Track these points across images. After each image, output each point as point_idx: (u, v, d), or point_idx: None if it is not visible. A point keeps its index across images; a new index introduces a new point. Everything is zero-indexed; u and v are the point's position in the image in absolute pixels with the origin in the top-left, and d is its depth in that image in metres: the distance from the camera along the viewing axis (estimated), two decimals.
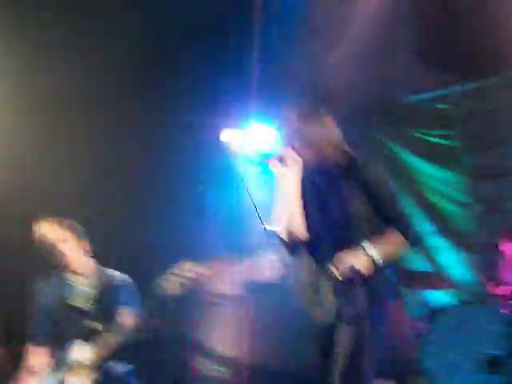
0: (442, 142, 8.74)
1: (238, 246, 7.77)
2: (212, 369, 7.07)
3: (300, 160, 3.63)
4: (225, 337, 7.15)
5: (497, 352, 5.78)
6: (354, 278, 3.35)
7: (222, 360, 7.10)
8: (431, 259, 8.05)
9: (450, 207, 8.28)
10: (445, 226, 8.26)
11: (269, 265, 7.05)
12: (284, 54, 7.91)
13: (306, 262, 3.63)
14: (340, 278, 3.37)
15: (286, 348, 6.60)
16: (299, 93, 8.31)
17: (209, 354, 7.12)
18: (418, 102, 8.87)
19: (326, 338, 3.51)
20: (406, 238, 3.56)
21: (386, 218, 3.58)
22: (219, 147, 8.46)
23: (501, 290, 6.52)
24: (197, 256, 7.59)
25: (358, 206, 3.55)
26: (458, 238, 8.01)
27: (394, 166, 8.86)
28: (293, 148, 3.62)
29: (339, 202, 3.55)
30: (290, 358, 6.56)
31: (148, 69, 7.59)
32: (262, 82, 8.15)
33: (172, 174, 7.84)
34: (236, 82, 8.07)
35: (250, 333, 7.01)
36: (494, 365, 5.77)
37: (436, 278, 7.43)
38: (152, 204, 7.55)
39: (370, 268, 3.40)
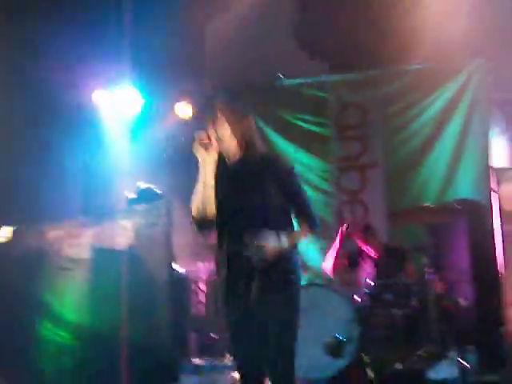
0: (314, 128, 8.79)
1: (93, 210, 7.55)
2: (58, 334, 6.84)
3: (217, 147, 3.86)
4: (72, 302, 6.92)
5: (340, 337, 5.83)
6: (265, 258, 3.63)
7: (68, 326, 6.88)
8: None
9: (312, 194, 8.33)
10: None
11: (121, 231, 6.89)
12: (160, 19, 7.76)
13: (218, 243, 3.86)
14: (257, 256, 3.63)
15: (132, 316, 6.45)
16: (173, 61, 8.19)
17: (56, 319, 6.89)
18: (293, 87, 8.88)
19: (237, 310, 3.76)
20: (311, 225, 3.85)
21: (294, 205, 3.85)
22: (87, 108, 8.20)
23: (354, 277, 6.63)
24: (51, 217, 7.39)
25: (270, 194, 3.78)
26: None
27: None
28: (213, 136, 3.84)
29: (254, 190, 3.79)
30: (138, 324, 6.42)
31: (18, 28, 7.34)
32: (135, 47, 7.94)
33: (34, 136, 7.60)
34: (109, 44, 7.84)
35: (97, 299, 6.80)
36: (336, 349, 5.82)
37: None
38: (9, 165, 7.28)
39: (278, 252, 3.66)
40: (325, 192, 8.52)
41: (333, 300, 6.24)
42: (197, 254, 8.38)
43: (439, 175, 8.15)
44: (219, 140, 3.84)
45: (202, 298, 8.48)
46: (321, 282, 7.14)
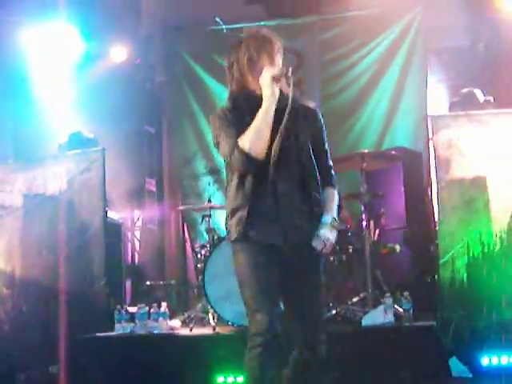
0: None
1: (24, 156, 7.36)
2: None
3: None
4: (3, 250, 6.76)
5: None
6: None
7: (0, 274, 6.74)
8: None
9: None
10: None
11: (52, 177, 6.71)
12: None
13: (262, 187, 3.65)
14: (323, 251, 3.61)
15: (66, 263, 6.34)
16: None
17: None
18: (229, 31, 8.73)
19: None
20: (334, 183, 3.82)
21: (322, 155, 3.79)
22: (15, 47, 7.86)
23: None
24: None
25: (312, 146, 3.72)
26: None
27: (197, 89, 8.78)
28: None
29: (301, 138, 3.69)
30: (72, 272, 6.32)
31: None
32: None
33: None
34: None
35: (30, 247, 6.65)
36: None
37: None
38: None
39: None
40: None
41: None
42: (131, 200, 8.28)
43: (377, 123, 8.19)
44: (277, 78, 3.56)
45: (137, 245, 8.42)
46: None
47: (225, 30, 8.64)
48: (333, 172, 3.84)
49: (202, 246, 6.87)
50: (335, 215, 3.74)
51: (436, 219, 6.09)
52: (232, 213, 3.68)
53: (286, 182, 3.62)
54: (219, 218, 7.13)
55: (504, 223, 5.64)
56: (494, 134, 5.70)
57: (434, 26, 7.69)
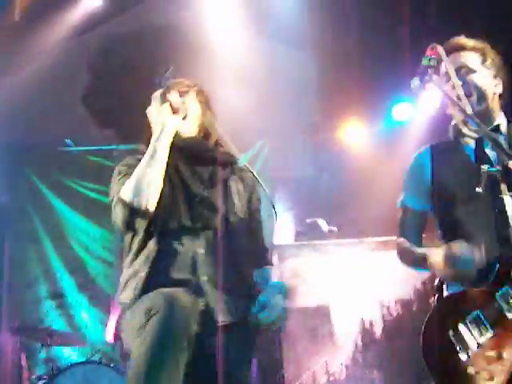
0: (99, 197, 8.60)
1: None
2: None
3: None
4: None
5: None
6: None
7: None
8: (69, 315, 7.81)
9: (94, 264, 8.12)
10: (86, 283, 8.08)
11: None
12: None
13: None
14: None
15: None
16: None
17: None
18: (79, 153, 8.66)
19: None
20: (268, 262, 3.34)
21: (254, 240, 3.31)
22: None
23: None
24: None
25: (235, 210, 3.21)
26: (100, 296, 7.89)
27: (44, 212, 8.58)
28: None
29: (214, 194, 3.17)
30: None
31: None
32: None
33: None
34: None
35: None
36: None
37: (70, 335, 7.19)
38: None
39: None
40: (107, 262, 8.29)
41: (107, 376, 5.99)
42: None
43: None
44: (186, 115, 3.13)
45: None
46: (99, 358, 6.82)
47: (74, 152, 8.58)
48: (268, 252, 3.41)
49: (39, 378, 6.50)
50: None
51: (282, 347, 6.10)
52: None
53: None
54: (60, 347, 6.87)
55: (348, 350, 5.73)
56: (337, 264, 5.87)
57: (279, 157, 7.93)
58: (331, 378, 5.66)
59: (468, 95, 2.98)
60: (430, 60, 2.80)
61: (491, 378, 2.70)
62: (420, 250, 3.10)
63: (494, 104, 3.14)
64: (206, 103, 3.30)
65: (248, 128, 7.92)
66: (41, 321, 8.00)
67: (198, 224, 3.05)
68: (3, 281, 8.49)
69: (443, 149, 3.22)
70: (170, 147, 3.04)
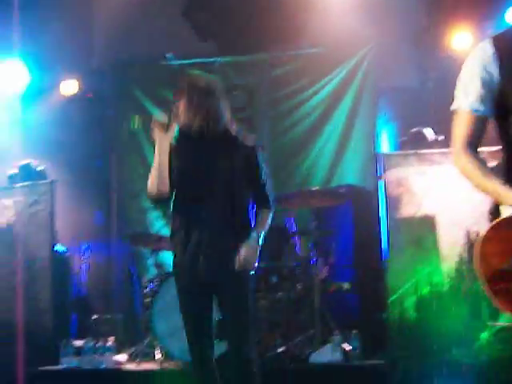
0: None
1: None
2: None
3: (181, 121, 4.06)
4: None
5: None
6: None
7: None
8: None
9: None
10: None
11: (1, 210, 6.64)
12: None
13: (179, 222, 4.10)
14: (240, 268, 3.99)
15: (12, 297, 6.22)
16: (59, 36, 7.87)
17: None
18: (180, 67, 8.72)
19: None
20: (269, 205, 4.18)
21: (257, 186, 4.15)
22: None
23: None
24: None
25: (238, 172, 4.03)
26: None
27: (148, 126, 8.68)
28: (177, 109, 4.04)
29: (222, 166, 4.02)
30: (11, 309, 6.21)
31: None
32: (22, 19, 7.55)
33: None
34: None
35: None
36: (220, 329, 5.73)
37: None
38: None
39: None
40: None
41: None
42: (79, 233, 8.17)
43: (326, 161, 8.21)
44: (184, 112, 4.01)
45: (84, 278, 8.28)
46: None
47: (176, 66, 8.65)
48: (269, 198, 4.18)
49: (150, 281, 6.78)
50: (262, 231, 4.12)
51: (384, 258, 6.11)
52: None
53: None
54: (167, 253, 7.07)
55: (452, 263, 5.68)
56: (444, 173, 5.76)
57: (384, 65, 7.78)
58: (433, 289, 5.66)
59: None
60: None
61: None
62: (491, 186, 2.69)
63: None
64: (199, 92, 4.03)
65: (352, 35, 7.79)
66: (149, 228, 8.29)
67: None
68: (112, 192, 8.78)
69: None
70: (177, 138, 4.10)
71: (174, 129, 4.06)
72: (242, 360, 3.99)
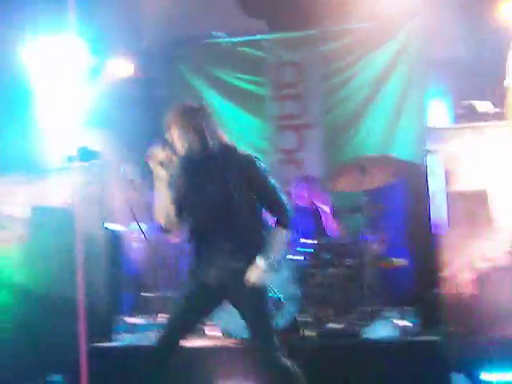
0: (250, 87, 8.69)
1: (29, 168, 7.32)
2: None
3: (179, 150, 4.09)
4: (8, 261, 6.73)
5: (279, 295, 5.75)
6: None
7: (4, 285, 6.70)
8: None
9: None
10: None
11: (57, 189, 6.75)
12: None
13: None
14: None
15: (68, 274, 6.32)
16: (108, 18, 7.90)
17: None
18: (229, 45, 8.72)
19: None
20: (285, 222, 4.07)
21: (269, 205, 4.10)
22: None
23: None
24: None
25: (239, 192, 3.99)
26: None
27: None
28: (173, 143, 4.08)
29: (222, 188, 3.99)
30: (74, 283, 6.31)
31: None
32: None
33: None
34: None
35: (33, 258, 6.63)
36: (275, 308, 5.76)
37: None
38: None
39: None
40: (261, 150, 8.40)
41: None
42: (132, 213, 8.24)
43: (377, 136, 8.12)
44: (178, 142, 4.05)
45: (137, 256, 8.37)
46: None
47: (224, 44, 8.65)
48: (283, 202, 4.08)
49: None
50: (274, 254, 4.03)
51: (437, 233, 6.06)
52: None
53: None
54: None
55: (507, 237, 5.62)
56: (497, 146, 5.68)
57: (436, 37, 7.64)
58: (486, 265, 5.60)
59: None
60: None
61: None
62: None
63: None
64: (183, 123, 4.05)
65: (401, 7, 7.68)
66: None
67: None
68: None
69: None
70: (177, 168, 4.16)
71: (173, 160, 4.12)
72: (273, 357, 3.99)
